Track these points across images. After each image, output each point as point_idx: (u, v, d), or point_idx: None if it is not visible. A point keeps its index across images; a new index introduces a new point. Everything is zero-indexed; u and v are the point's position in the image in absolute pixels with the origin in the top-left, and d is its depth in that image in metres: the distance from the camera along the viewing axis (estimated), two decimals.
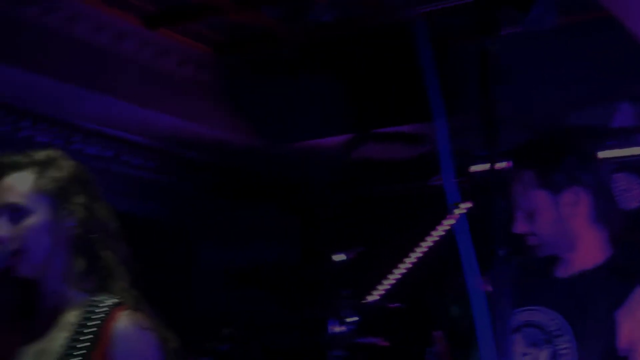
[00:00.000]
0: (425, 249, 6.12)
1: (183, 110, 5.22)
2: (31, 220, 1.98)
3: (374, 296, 6.10)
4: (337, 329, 5.15)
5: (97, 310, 1.96)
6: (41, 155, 2.09)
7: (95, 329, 1.92)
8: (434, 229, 6.04)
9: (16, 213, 2.00)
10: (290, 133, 5.53)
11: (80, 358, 1.89)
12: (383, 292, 6.13)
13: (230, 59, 5.29)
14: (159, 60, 5.09)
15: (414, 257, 6.20)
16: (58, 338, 1.97)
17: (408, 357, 5.21)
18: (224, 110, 5.33)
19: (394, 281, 6.15)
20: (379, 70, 5.15)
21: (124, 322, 1.95)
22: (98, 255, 2.03)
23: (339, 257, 5.86)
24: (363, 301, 5.78)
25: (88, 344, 1.91)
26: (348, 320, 5.15)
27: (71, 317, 1.99)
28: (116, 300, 1.99)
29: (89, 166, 2.20)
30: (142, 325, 1.97)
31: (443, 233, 5.98)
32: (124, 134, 5.52)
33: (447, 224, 5.89)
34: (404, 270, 6.17)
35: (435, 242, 6.07)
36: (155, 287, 2.16)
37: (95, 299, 2.00)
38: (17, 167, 2.06)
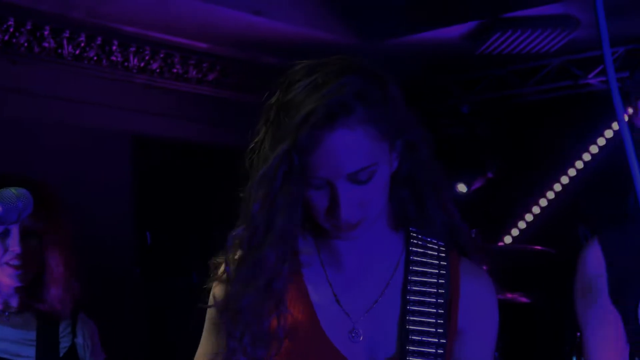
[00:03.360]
0: (581, 167, 5.61)
1: (260, 5, 4.68)
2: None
3: (510, 237, 5.74)
4: None
5: (429, 252, 1.89)
6: None
7: (437, 271, 1.84)
8: (591, 141, 5.50)
9: None
10: (386, 28, 5.00)
11: (439, 308, 1.81)
12: (523, 230, 5.71)
13: None
14: None
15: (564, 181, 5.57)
16: (397, 278, 1.89)
17: (554, 317, 4.80)
18: (309, 5, 4.91)
19: (538, 214, 5.65)
20: None
21: (466, 268, 1.88)
22: (417, 191, 1.93)
23: (462, 188, 5.54)
24: (496, 244, 5.27)
25: (441, 290, 1.82)
26: None
27: (397, 257, 1.92)
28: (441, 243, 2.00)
29: None
30: (482, 272, 1.94)
31: (601, 146, 5.48)
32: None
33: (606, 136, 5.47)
34: (552, 200, 5.62)
35: (594, 156, 5.56)
36: None
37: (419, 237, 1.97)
38: None
